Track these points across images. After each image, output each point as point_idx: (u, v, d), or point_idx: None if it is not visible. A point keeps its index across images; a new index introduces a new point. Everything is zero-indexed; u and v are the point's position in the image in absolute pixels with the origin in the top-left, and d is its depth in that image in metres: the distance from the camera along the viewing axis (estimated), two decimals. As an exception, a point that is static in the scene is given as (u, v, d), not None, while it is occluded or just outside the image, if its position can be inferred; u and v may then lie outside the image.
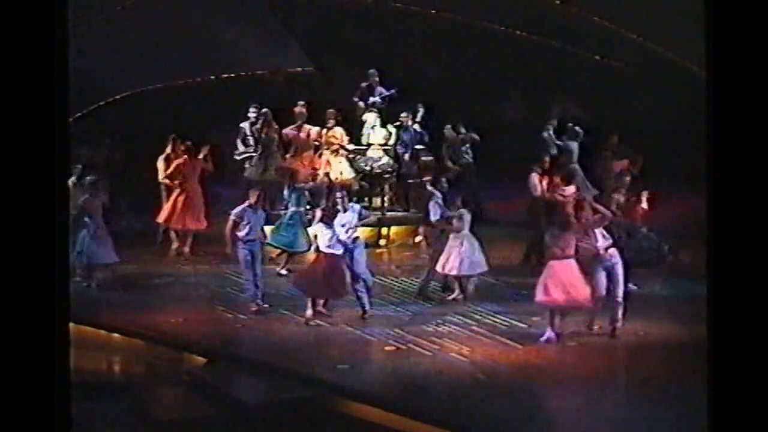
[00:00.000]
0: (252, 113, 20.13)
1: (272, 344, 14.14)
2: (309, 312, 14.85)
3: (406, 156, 20.17)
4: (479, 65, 23.00)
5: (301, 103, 19.85)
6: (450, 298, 15.86)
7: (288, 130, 19.82)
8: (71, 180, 16.66)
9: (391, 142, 20.15)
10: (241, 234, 15.38)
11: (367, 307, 15.03)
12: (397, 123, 20.27)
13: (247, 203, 15.54)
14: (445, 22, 22.33)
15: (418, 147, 20.31)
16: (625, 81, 21.71)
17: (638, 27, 20.14)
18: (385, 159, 20.02)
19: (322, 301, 15.15)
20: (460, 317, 14.90)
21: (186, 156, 19.16)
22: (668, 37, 19.32)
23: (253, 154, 19.95)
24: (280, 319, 15.07)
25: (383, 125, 20.18)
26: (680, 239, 16.63)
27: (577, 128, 19.90)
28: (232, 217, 15.49)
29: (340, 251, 14.76)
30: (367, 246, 16.56)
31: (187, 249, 18.84)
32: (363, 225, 16.07)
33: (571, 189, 17.05)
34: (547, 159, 18.39)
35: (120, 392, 13.41)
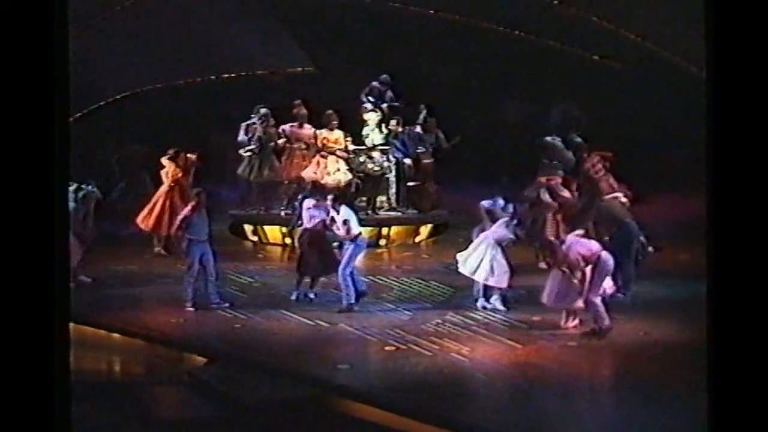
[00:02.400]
0: (260, 113, 20.13)
1: (272, 344, 14.14)
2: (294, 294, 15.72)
3: (405, 160, 20.15)
4: (479, 65, 23.00)
5: (298, 102, 19.87)
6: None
7: (287, 127, 19.83)
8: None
9: (380, 140, 20.14)
10: (189, 236, 15.50)
11: (350, 300, 15.21)
12: (388, 129, 20.24)
13: (189, 208, 15.67)
14: (445, 22, 22.34)
15: (420, 150, 20.28)
16: (625, 81, 21.71)
17: (638, 27, 20.16)
18: (385, 161, 20.04)
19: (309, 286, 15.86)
20: (460, 317, 14.90)
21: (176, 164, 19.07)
22: (668, 38, 19.34)
23: (254, 153, 20.00)
24: (280, 319, 15.09)
25: (382, 126, 20.20)
26: (680, 239, 16.63)
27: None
28: (177, 221, 15.85)
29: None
30: (367, 246, 16.54)
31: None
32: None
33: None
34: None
35: (120, 392, 13.41)
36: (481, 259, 15.13)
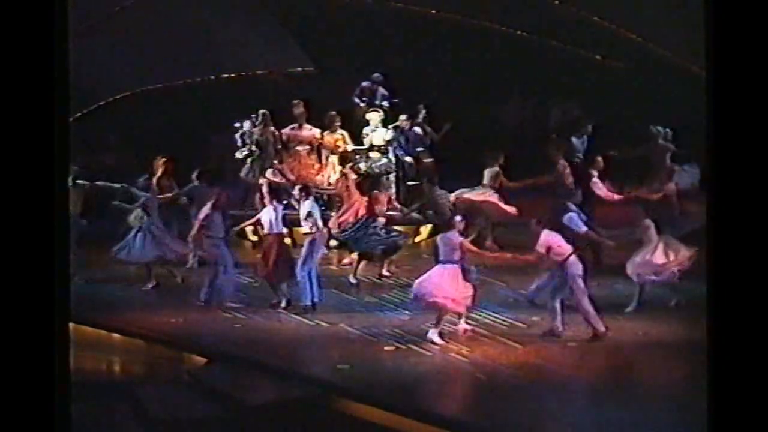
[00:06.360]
0: (258, 115, 20.16)
1: (272, 344, 14.14)
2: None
3: (407, 159, 20.17)
4: (479, 65, 23.00)
5: (297, 102, 19.87)
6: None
7: (286, 130, 19.86)
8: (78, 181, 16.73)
9: (388, 137, 20.13)
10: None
11: (315, 298, 15.22)
12: (396, 124, 20.25)
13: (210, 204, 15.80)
14: (445, 22, 22.33)
15: (420, 149, 20.26)
16: (625, 81, 21.71)
17: (638, 27, 20.16)
18: (384, 160, 20.03)
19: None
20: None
21: None
22: (668, 37, 19.33)
23: (252, 153, 20.02)
24: (280, 319, 15.09)
25: (384, 126, 20.20)
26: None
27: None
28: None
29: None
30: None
31: None
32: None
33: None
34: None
35: (120, 392, 13.41)
36: None
